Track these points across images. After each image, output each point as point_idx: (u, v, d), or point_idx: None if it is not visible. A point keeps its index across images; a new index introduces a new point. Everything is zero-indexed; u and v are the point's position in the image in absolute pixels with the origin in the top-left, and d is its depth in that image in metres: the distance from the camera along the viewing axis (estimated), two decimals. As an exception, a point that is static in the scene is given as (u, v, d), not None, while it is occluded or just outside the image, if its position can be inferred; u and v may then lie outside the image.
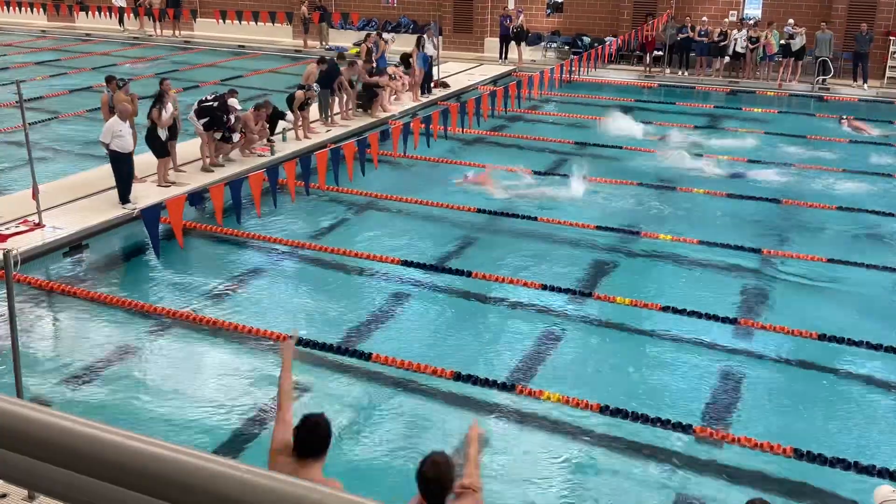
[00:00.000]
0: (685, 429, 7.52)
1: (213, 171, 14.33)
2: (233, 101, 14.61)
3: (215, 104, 14.40)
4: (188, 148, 15.03)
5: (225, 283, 10.73)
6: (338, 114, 18.06)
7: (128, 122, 12.50)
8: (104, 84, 14.62)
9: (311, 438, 4.40)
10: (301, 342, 8.99)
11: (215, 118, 14.42)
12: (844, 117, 19.57)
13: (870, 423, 7.94)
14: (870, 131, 18.83)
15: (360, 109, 18.72)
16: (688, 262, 11.47)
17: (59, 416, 1.66)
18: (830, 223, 13.11)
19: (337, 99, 17.94)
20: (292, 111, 16.55)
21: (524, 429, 7.68)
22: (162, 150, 13.44)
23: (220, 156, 14.95)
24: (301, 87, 16.62)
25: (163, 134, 13.34)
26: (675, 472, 7.09)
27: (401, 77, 20.21)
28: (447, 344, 9.24)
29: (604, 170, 15.29)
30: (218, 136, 14.62)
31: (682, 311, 9.68)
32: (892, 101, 21.55)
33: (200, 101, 14.51)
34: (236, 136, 14.91)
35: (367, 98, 18.64)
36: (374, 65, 19.43)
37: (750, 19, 23.85)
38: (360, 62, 18.69)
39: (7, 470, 1.67)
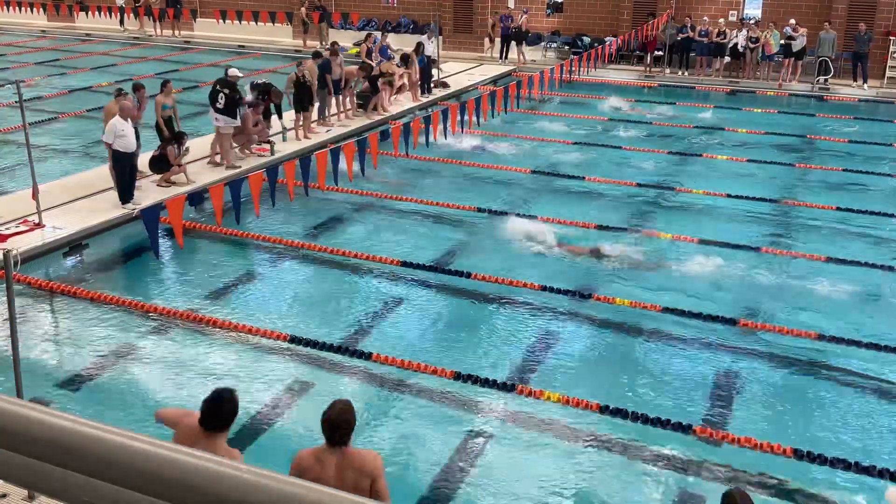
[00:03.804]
0: (685, 429, 7.51)
1: (239, 168, 14.39)
2: (233, 72, 14.69)
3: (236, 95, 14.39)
4: (198, 145, 15.06)
5: (224, 282, 10.73)
6: (335, 114, 18.03)
7: (129, 121, 12.49)
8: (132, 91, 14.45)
9: (215, 413, 4.89)
10: (301, 342, 9.00)
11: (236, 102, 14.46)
12: (633, 102, 20.70)
13: (870, 422, 7.93)
14: (642, 112, 20.22)
15: (361, 109, 18.70)
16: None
17: (59, 416, 1.66)
18: (520, 181, 14.86)
19: (334, 99, 17.90)
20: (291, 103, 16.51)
21: (524, 429, 7.68)
22: (165, 169, 13.51)
23: (242, 147, 15.00)
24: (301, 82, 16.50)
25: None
26: (675, 472, 7.09)
27: (400, 76, 20.21)
28: (447, 344, 9.24)
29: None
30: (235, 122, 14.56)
31: (681, 312, 9.70)
32: (892, 101, 21.55)
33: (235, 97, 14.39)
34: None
35: (367, 98, 18.61)
36: (374, 64, 19.42)
37: (750, 19, 23.85)
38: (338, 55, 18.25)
39: (7, 470, 1.67)
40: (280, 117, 16.32)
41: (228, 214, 11.95)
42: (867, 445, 7.50)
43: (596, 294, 10.26)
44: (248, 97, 15.52)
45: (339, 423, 4.83)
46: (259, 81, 16.42)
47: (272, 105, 16.17)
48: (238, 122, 14.47)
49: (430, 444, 7.41)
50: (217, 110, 14.29)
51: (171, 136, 13.66)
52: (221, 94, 14.23)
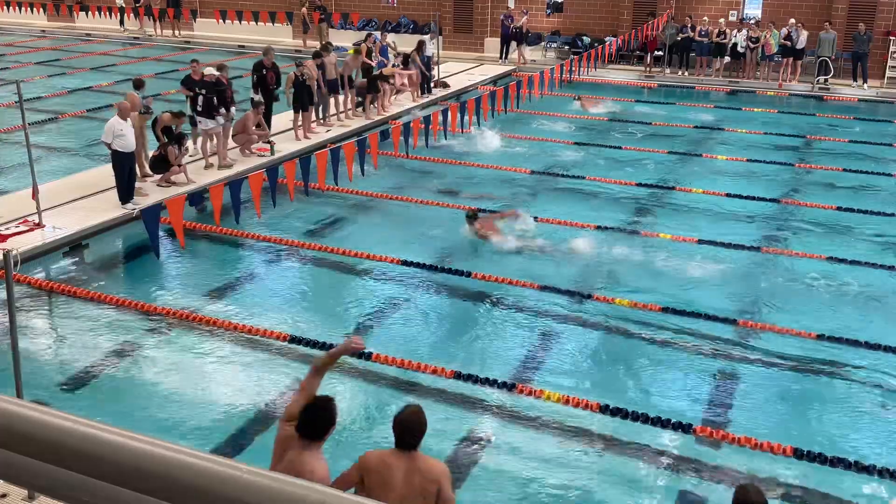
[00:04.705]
0: (685, 429, 7.52)
1: (231, 167, 14.42)
2: (209, 71, 14.66)
3: (205, 92, 14.33)
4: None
5: (225, 282, 10.73)
6: (334, 114, 18.02)
7: (129, 121, 12.50)
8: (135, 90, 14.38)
9: (310, 421, 4.74)
10: (301, 342, 9.00)
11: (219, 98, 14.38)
12: (577, 97, 20.75)
13: (870, 422, 7.94)
14: (593, 108, 20.30)
15: (360, 108, 18.68)
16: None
17: (59, 416, 1.65)
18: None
19: (332, 99, 17.87)
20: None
21: (524, 429, 7.68)
22: (165, 169, 13.51)
23: (243, 147, 15.03)
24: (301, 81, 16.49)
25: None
26: (675, 472, 7.09)
27: (401, 74, 20.20)
28: (447, 344, 9.24)
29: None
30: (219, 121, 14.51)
31: (681, 312, 9.71)
32: (892, 101, 21.56)
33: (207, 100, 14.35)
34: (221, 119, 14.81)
35: (364, 95, 18.57)
36: (374, 64, 19.42)
37: (750, 19, 23.85)
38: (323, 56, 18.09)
39: (7, 470, 1.66)
40: (279, 85, 16.28)
41: (228, 214, 11.95)
42: (867, 445, 7.50)
43: (596, 294, 10.26)
44: (253, 95, 15.61)
45: (409, 425, 4.78)
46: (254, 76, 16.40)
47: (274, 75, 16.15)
48: (215, 124, 14.39)
49: (429, 444, 7.39)
50: (197, 113, 14.28)
51: (170, 138, 13.65)
52: (200, 96, 14.23)
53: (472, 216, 12.06)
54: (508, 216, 12.38)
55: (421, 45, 20.39)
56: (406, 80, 20.43)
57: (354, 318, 9.75)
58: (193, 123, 14.61)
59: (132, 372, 8.60)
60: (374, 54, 20.02)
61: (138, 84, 14.35)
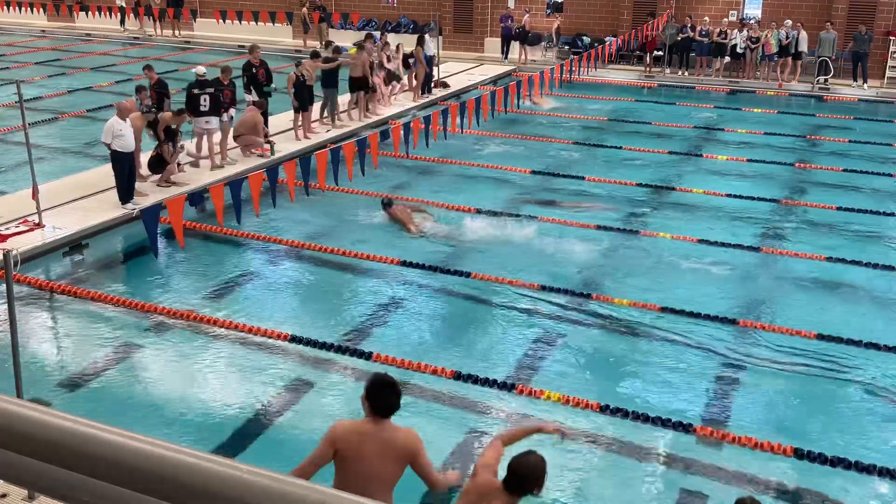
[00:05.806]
0: (685, 429, 7.52)
1: (223, 168, 14.42)
2: (201, 69, 14.68)
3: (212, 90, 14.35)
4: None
5: (225, 282, 10.73)
6: (336, 114, 18.01)
7: (128, 121, 12.49)
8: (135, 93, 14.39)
9: (380, 399, 4.88)
10: (302, 341, 9.00)
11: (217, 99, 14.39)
12: (531, 95, 20.38)
13: (870, 422, 7.94)
14: (544, 105, 20.40)
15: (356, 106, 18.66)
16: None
17: (59, 416, 1.65)
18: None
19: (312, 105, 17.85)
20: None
21: (524, 429, 7.67)
22: (161, 169, 13.51)
23: (245, 148, 15.04)
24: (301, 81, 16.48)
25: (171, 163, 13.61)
26: (676, 472, 7.09)
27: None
28: (447, 344, 9.24)
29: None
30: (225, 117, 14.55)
31: (681, 312, 9.71)
32: (892, 101, 21.56)
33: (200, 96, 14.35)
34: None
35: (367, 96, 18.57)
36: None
37: (750, 19, 23.84)
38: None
39: (7, 470, 1.66)
40: (272, 82, 16.31)
41: (228, 214, 11.94)
42: (868, 444, 7.50)
43: (596, 294, 10.26)
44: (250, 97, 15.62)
45: (526, 474, 4.56)
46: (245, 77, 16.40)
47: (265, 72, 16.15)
48: (218, 122, 14.41)
49: (429, 443, 7.39)
50: (202, 113, 14.26)
51: (166, 137, 13.66)
52: (204, 97, 14.21)
53: (387, 203, 12.78)
54: (419, 211, 12.89)
55: (422, 40, 20.31)
56: (405, 80, 20.42)
57: (354, 318, 9.74)
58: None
59: (132, 372, 8.60)
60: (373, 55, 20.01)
61: (139, 89, 14.34)
